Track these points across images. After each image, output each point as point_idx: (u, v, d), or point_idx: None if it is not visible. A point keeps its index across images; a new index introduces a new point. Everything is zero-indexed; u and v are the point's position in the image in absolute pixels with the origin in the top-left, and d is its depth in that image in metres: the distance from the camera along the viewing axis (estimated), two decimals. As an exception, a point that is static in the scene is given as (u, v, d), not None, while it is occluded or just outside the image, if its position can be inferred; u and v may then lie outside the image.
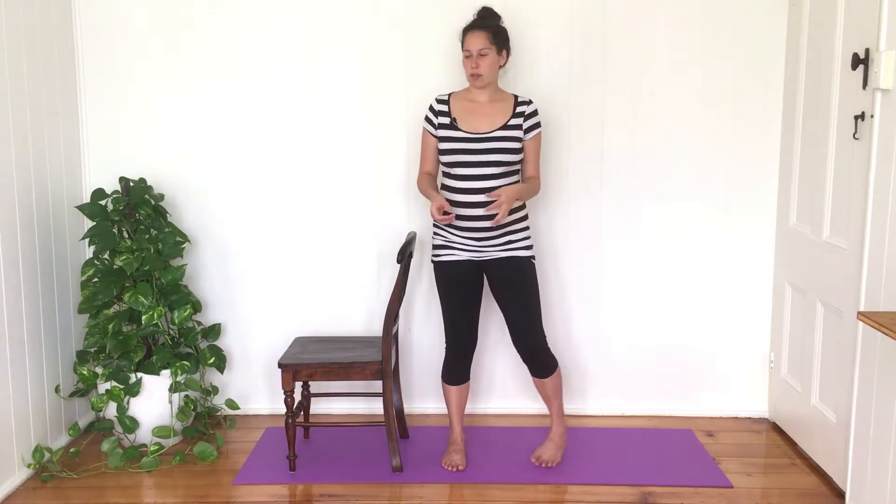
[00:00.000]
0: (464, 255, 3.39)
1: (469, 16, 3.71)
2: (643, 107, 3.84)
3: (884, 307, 2.83)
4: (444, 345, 3.50)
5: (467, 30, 3.34)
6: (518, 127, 3.33)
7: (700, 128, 3.85)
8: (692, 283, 3.97)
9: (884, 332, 2.33)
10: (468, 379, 3.53)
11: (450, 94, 3.44)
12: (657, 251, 3.95)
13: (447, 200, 3.32)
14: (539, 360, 3.44)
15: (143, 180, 3.75)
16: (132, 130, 3.90)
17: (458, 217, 3.32)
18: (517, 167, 3.37)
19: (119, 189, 3.70)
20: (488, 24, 3.33)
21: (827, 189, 3.31)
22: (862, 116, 3.01)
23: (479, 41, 3.29)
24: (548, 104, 3.76)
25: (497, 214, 3.22)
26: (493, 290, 3.45)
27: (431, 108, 3.43)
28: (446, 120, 3.37)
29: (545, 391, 3.51)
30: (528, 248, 3.42)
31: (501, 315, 3.90)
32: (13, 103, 3.34)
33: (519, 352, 3.46)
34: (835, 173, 3.27)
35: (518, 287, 3.39)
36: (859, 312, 2.53)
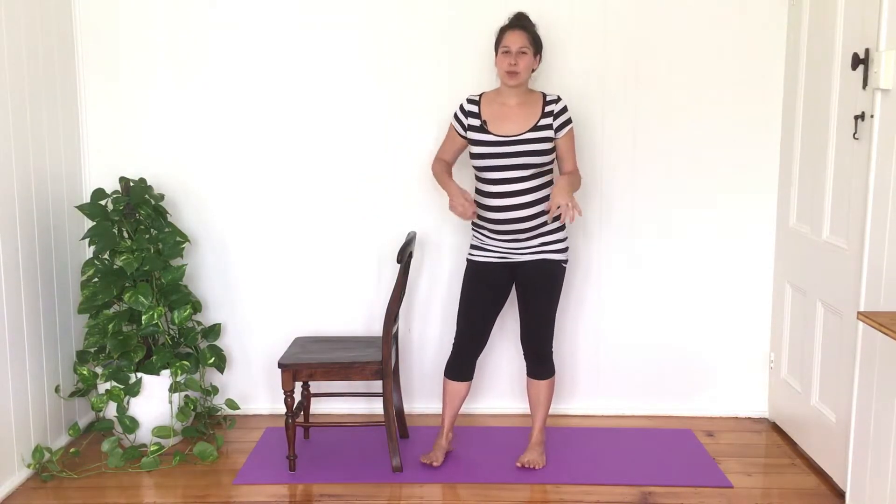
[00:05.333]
0: (495, 258, 3.42)
1: (473, 19, 3.73)
2: (643, 107, 3.84)
3: (884, 307, 2.83)
4: (453, 340, 3.52)
5: (507, 28, 3.34)
6: (548, 127, 3.33)
7: (700, 128, 3.85)
8: (692, 283, 3.97)
9: (884, 332, 2.33)
10: (471, 378, 3.54)
11: (481, 95, 3.44)
12: (657, 251, 3.95)
13: (480, 205, 3.37)
14: (543, 361, 3.49)
15: (143, 180, 3.75)
16: (132, 130, 3.90)
17: (491, 221, 3.35)
18: (548, 167, 3.38)
19: (119, 189, 3.70)
20: (527, 27, 3.35)
21: (827, 189, 3.31)
22: (862, 116, 3.01)
23: (519, 39, 3.29)
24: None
25: (533, 234, 3.34)
26: (517, 289, 3.49)
27: (462, 108, 3.44)
28: (476, 122, 3.37)
29: (538, 394, 3.51)
30: (562, 251, 3.42)
31: (506, 316, 3.92)
32: (13, 103, 3.34)
33: (525, 350, 3.51)
34: (835, 173, 3.27)
35: (543, 290, 3.43)
36: (859, 312, 2.53)
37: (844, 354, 3.17)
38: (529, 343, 3.49)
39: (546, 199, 3.34)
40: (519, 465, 3.46)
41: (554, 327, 3.50)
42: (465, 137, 3.43)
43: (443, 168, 3.51)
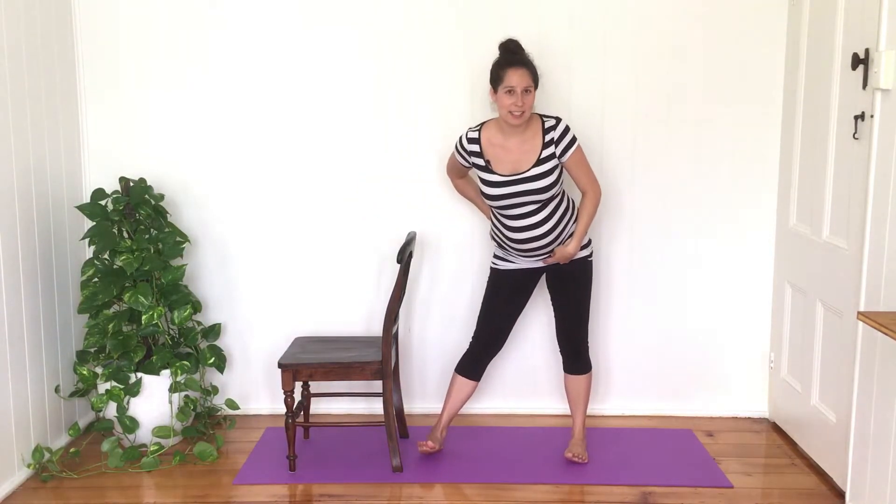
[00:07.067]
0: (522, 265, 3.46)
1: (472, 21, 3.73)
2: (643, 107, 3.84)
3: (884, 307, 2.83)
4: (471, 337, 3.57)
5: (508, 65, 3.22)
6: (551, 157, 3.28)
7: (700, 128, 3.85)
8: (692, 283, 3.97)
9: (884, 332, 2.33)
10: (479, 379, 3.58)
11: (480, 129, 3.36)
12: (657, 251, 3.95)
13: (501, 233, 3.39)
14: (580, 356, 3.54)
15: (143, 180, 3.75)
16: (132, 130, 3.90)
17: (511, 242, 3.37)
18: (556, 194, 3.32)
19: (119, 189, 3.70)
20: (527, 62, 3.26)
21: (827, 189, 3.31)
22: (862, 116, 3.01)
23: (524, 78, 3.19)
24: (545, 106, 3.77)
25: (554, 247, 3.38)
26: (549, 285, 3.54)
27: (463, 146, 3.38)
28: (480, 161, 3.35)
29: (577, 389, 3.57)
30: (584, 246, 3.46)
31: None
32: (13, 103, 3.34)
33: (562, 346, 3.57)
34: (835, 173, 3.27)
35: (576, 289, 3.49)
36: (859, 312, 2.53)
37: (844, 354, 3.17)
38: (567, 340, 3.54)
39: (562, 218, 3.35)
40: (567, 456, 3.51)
41: (588, 322, 3.56)
42: (468, 167, 3.46)
43: (469, 191, 3.60)
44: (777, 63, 3.78)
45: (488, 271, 3.57)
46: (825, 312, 3.38)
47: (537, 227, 3.32)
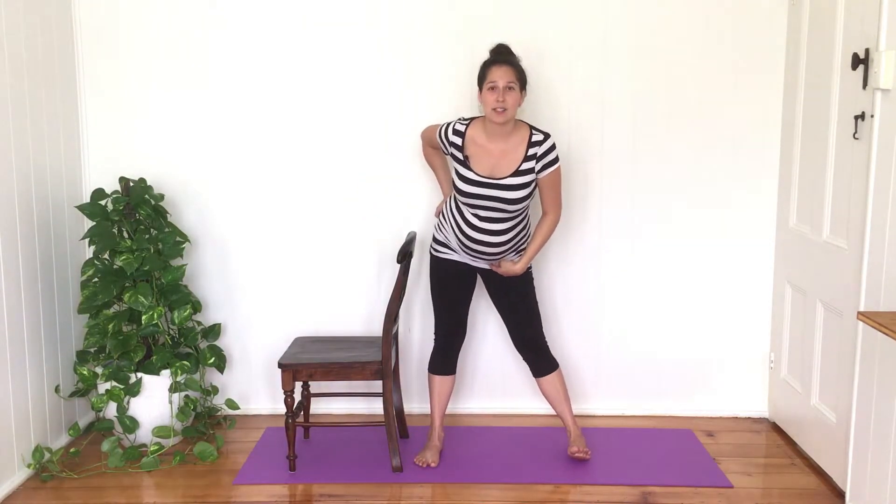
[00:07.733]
0: (461, 258, 3.46)
1: (473, 21, 3.73)
2: (643, 107, 3.84)
3: (884, 307, 2.83)
4: (433, 334, 3.60)
5: (492, 63, 3.26)
6: (530, 171, 3.27)
7: (700, 127, 3.85)
8: (692, 284, 3.97)
9: (884, 332, 2.34)
10: (454, 372, 3.60)
11: (468, 124, 3.35)
12: (657, 251, 3.95)
13: (458, 223, 3.37)
14: (541, 358, 3.53)
15: (143, 180, 3.75)
16: (132, 130, 3.90)
17: (463, 236, 3.35)
18: (524, 209, 3.35)
19: (119, 189, 3.70)
20: (513, 62, 3.27)
21: (827, 189, 3.31)
22: (862, 116, 3.01)
23: (507, 74, 3.20)
24: (546, 105, 3.77)
25: (500, 258, 3.40)
26: (490, 293, 3.56)
27: (447, 136, 3.37)
28: (459, 155, 3.34)
29: (553, 389, 3.55)
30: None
31: (496, 314, 3.91)
32: (13, 104, 3.34)
33: (521, 353, 3.57)
34: (835, 173, 3.27)
35: (516, 296, 3.50)
36: (859, 312, 2.53)
37: (844, 354, 3.17)
38: (523, 344, 3.55)
39: (519, 233, 3.37)
40: (571, 452, 3.50)
41: (541, 321, 3.56)
42: (445, 153, 3.46)
43: (437, 161, 3.60)
44: (777, 63, 3.78)
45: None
46: (825, 312, 3.38)
47: (496, 235, 3.32)
